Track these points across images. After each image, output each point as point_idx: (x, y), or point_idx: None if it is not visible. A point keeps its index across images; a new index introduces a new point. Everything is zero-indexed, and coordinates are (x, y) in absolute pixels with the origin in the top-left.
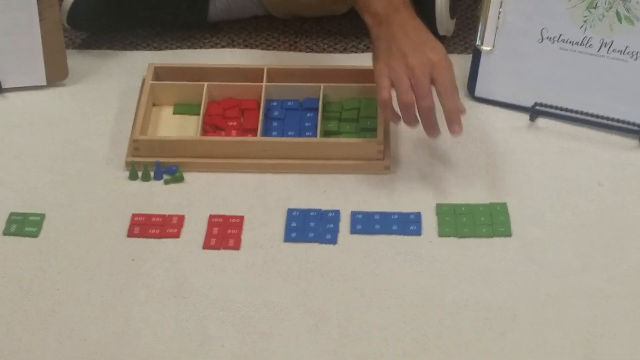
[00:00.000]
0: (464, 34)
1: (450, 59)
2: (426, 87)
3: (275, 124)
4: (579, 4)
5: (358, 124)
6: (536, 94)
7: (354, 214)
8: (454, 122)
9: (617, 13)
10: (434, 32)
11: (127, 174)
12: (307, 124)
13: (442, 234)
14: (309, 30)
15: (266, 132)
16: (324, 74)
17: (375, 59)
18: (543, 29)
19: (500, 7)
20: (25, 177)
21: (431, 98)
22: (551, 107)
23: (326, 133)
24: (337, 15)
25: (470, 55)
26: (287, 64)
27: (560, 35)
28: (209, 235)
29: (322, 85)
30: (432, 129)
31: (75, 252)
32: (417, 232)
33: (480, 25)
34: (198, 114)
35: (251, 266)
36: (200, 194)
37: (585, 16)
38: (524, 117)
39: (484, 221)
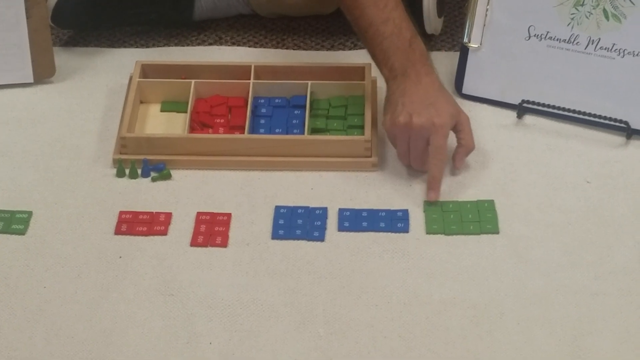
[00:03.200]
0: (452, 31)
1: (464, 115)
2: (419, 150)
3: (262, 121)
4: (566, 2)
5: (345, 121)
6: (523, 91)
7: (341, 211)
8: (433, 189)
9: (604, 10)
10: (422, 31)
11: (114, 171)
12: (294, 122)
13: (429, 231)
14: (297, 28)
15: (254, 130)
16: (312, 72)
17: (384, 111)
18: (530, 26)
19: (488, 4)
20: (12, 174)
21: (423, 162)
22: (538, 104)
23: (314, 130)
24: (324, 15)
25: (458, 53)
26: (274, 61)
27: (548, 32)
28: (196, 232)
29: (309, 82)
30: (436, 188)
31: (62, 249)
32: (405, 229)
33: (467, 23)
34: (185, 112)
35: (239, 263)
36: (188, 192)
37: (573, 14)
38: (511, 115)
39: (472, 218)
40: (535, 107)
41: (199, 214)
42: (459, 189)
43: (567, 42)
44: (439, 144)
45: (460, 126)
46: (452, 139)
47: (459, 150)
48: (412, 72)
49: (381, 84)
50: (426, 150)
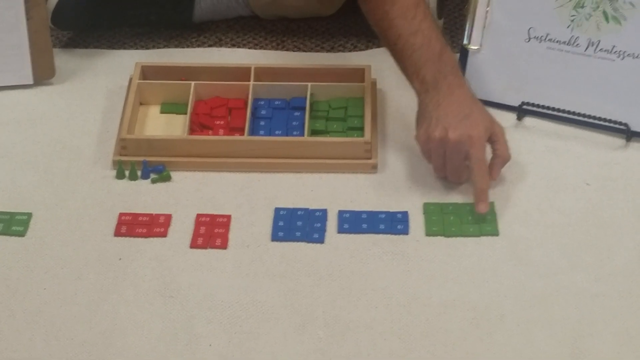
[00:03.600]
0: (452, 33)
1: (499, 126)
2: (457, 164)
3: (262, 123)
4: (566, 4)
5: (345, 123)
6: (523, 93)
7: (341, 213)
8: (483, 200)
9: (604, 13)
10: None
11: (114, 173)
12: (294, 123)
13: (429, 233)
14: (296, 30)
15: (253, 131)
16: (311, 73)
17: (418, 124)
18: (530, 28)
19: (488, 6)
20: (12, 176)
21: (460, 176)
22: (538, 106)
23: (313, 132)
24: (323, 16)
25: (458, 55)
26: (274, 63)
27: (548, 34)
28: (196, 234)
29: (309, 84)
30: (485, 200)
31: (62, 251)
32: (405, 231)
33: (467, 25)
34: (185, 113)
35: (238, 265)
36: (188, 193)
37: (573, 16)
38: (511, 116)
39: (471, 220)
40: (535, 109)
41: (198, 215)
42: (459, 190)
43: (567, 44)
44: (479, 156)
45: (495, 137)
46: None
47: (495, 161)
48: (443, 84)
49: (381, 85)
50: (463, 164)
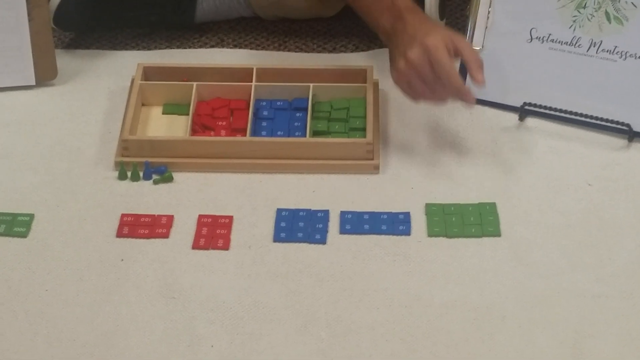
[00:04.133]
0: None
1: (459, 36)
2: (426, 72)
3: (264, 123)
4: (568, 4)
5: (347, 123)
6: (525, 93)
7: (343, 214)
8: (464, 96)
9: (606, 13)
10: None
11: (116, 174)
12: (296, 124)
13: (431, 234)
14: (298, 31)
15: (255, 132)
16: (313, 74)
17: (390, 67)
18: (532, 28)
19: (490, 7)
20: (14, 177)
21: (436, 84)
22: (540, 106)
23: (315, 133)
24: (325, 17)
25: None
26: (276, 63)
27: (550, 35)
28: (198, 235)
29: (311, 85)
30: (466, 93)
31: (64, 252)
32: (407, 232)
33: (469, 25)
34: (187, 114)
35: (240, 266)
36: (190, 194)
37: (575, 16)
38: (513, 117)
39: (473, 221)
40: (537, 109)
41: (200, 216)
42: (461, 191)
43: (569, 45)
44: (464, 44)
45: (458, 47)
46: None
47: (469, 66)
48: (399, 24)
49: (383, 86)
50: (436, 77)
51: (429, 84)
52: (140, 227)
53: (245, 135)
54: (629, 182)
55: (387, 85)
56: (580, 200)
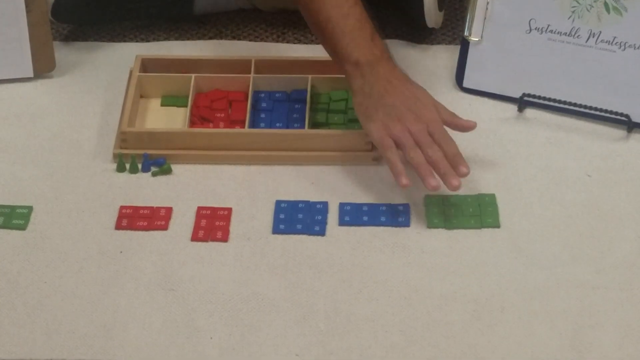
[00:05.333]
0: (452, 24)
1: (437, 102)
2: (429, 139)
3: (263, 115)
4: None
5: (346, 115)
6: (524, 84)
7: (342, 206)
8: (461, 164)
9: (605, 3)
10: (422, 24)
11: (114, 166)
12: (295, 116)
13: (430, 225)
14: (297, 22)
15: (254, 124)
16: (312, 66)
17: (367, 118)
18: (531, 19)
19: None
20: (12, 169)
21: (437, 148)
22: (539, 97)
23: (314, 124)
24: None
25: (459, 46)
26: (274, 55)
27: (549, 25)
28: (197, 227)
29: (309, 76)
30: (451, 175)
31: (62, 244)
32: (406, 223)
33: (468, 16)
34: (186, 106)
35: (239, 258)
36: (188, 186)
37: (574, 7)
38: (512, 108)
39: (473, 212)
40: (536, 100)
41: (199, 208)
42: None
43: (568, 35)
44: (440, 130)
45: (437, 108)
46: None
47: (454, 122)
48: (379, 68)
49: None
50: (434, 143)
51: (427, 147)
52: (139, 219)
53: (243, 127)
54: (629, 173)
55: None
56: (579, 191)
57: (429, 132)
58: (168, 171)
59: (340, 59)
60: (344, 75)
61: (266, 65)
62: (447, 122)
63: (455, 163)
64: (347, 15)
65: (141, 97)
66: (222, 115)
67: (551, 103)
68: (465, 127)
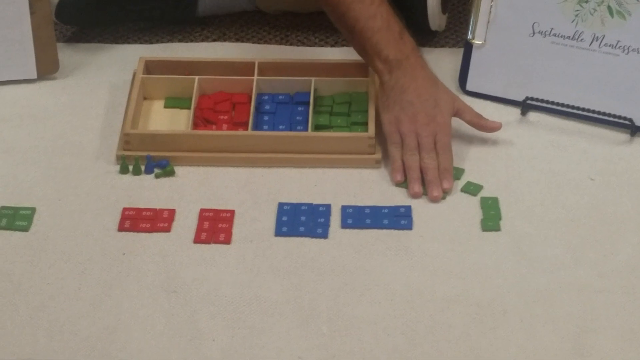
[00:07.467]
0: (456, 27)
1: (460, 101)
2: (431, 146)
3: (266, 117)
4: None
5: (349, 117)
6: (527, 88)
7: (344, 208)
8: (446, 179)
9: (609, 7)
10: (426, 27)
11: (117, 167)
12: (298, 118)
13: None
14: (300, 24)
15: (257, 126)
16: (315, 68)
17: (384, 109)
18: (534, 23)
19: (492, 1)
20: (16, 171)
21: (435, 156)
22: (542, 101)
23: (317, 127)
24: None
25: (462, 49)
26: (278, 57)
27: (552, 29)
28: (199, 229)
29: (313, 79)
30: (435, 186)
31: (65, 246)
32: (408, 226)
33: (471, 19)
34: (189, 108)
35: (242, 260)
36: (191, 188)
37: (577, 10)
38: (515, 111)
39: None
40: (539, 104)
41: (202, 210)
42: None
43: (571, 39)
44: (445, 141)
45: (459, 111)
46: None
47: (480, 124)
48: (407, 65)
49: None
50: (434, 151)
51: (426, 150)
52: (142, 221)
53: (247, 129)
54: (631, 177)
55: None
56: (582, 195)
57: (434, 139)
58: (171, 173)
59: (370, 56)
60: (373, 74)
61: (269, 68)
62: (472, 123)
63: (442, 176)
64: (375, 15)
65: (144, 99)
66: (226, 117)
67: (554, 106)
68: (491, 127)
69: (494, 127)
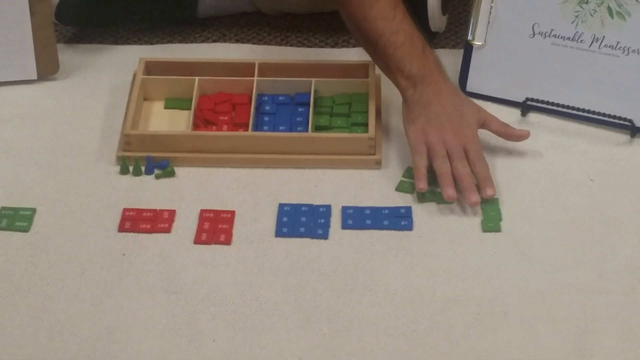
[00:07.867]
0: (456, 28)
1: (484, 111)
2: (461, 155)
3: (266, 118)
4: (570, 0)
5: (349, 118)
6: (527, 89)
7: (345, 209)
8: (489, 186)
9: (609, 8)
10: (426, 28)
11: (118, 168)
12: (298, 119)
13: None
14: (300, 25)
15: (257, 127)
16: (315, 69)
17: (409, 121)
18: (534, 24)
19: (492, 2)
20: (16, 171)
21: (467, 164)
22: (542, 102)
23: (317, 128)
24: (327, 12)
25: (462, 50)
26: (278, 58)
27: (552, 30)
28: (200, 230)
29: (313, 80)
30: (472, 191)
31: (66, 247)
32: (408, 227)
33: (471, 20)
34: (189, 109)
35: (242, 261)
36: (192, 189)
37: (577, 11)
38: (516, 112)
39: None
40: (539, 104)
41: (202, 211)
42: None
43: (572, 40)
44: (476, 149)
45: (485, 122)
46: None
47: (507, 133)
48: (430, 80)
49: (385, 80)
50: (465, 158)
51: (458, 161)
52: (142, 221)
53: (247, 130)
54: (632, 178)
55: (389, 80)
56: (582, 195)
57: (465, 149)
58: (171, 174)
59: (393, 72)
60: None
61: (270, 69)
62: (499, 133)
63: (484, 184)
64: (398, 30)
65: (145, 99)
66: (226, 118)
67: (554, 107)
68: (518, 136)
69: (521, 136)
